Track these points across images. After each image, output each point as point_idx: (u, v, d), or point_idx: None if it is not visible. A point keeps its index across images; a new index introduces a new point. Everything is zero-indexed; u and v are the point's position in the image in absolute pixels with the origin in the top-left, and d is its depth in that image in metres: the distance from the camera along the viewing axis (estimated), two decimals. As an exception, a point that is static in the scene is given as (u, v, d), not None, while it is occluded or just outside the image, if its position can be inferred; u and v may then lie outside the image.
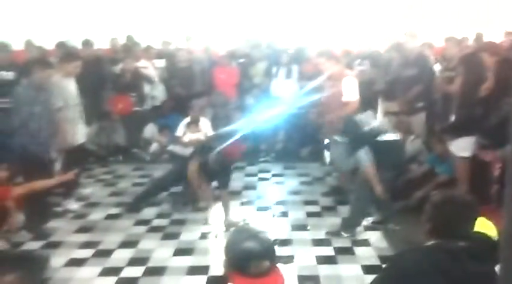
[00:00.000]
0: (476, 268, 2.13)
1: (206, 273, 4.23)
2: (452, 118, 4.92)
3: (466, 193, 3.42)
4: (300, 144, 7.62)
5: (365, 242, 4.74)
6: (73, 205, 5.83)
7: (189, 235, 5.04)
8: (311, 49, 7.68)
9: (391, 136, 4.70)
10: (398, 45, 6.89)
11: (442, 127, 5.46)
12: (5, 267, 1.78)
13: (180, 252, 4.66)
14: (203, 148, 5.35)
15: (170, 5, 10.72)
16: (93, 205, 5.93)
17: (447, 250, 2.19)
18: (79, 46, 7.92)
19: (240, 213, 5.50)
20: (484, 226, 2.68)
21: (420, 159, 5.79)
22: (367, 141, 4.57)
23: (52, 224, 5.33)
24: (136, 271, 4.30)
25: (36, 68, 5.11)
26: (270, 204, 5.83)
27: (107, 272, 4.31)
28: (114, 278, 4.18)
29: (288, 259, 4.39)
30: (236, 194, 6.02)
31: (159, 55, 8.56)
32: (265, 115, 6.46)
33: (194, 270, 4.30)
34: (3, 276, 1.72)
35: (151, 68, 8.07)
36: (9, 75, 6.77)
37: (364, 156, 4.55)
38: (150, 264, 4.43)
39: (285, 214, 5.54)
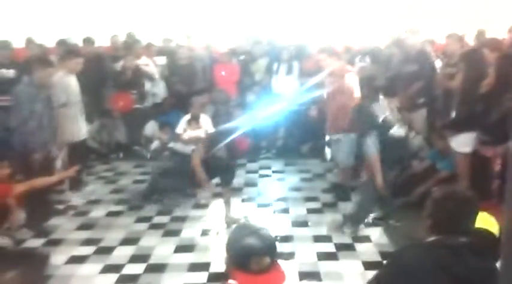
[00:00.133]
0: (477, 263, 2.13)
1: (207, 270, 4.23)
2: (453, 114, 4.91)
3: (467, 189, 3.42)
4: (300, 140, 7.62)
5: (366, 239, 4.74)
6: (78, 200, 5.85)
7: (190, 232, 5.04)
8: (312, 46, 7.67)
9: (399, 130, 4.68)
10: (399, 41, 6.88)
11: (443, 123, 5.44)
12: (5, 264, 1.78)
13: (181, 249, 4.67)
14: (210, 142, 5.34)
15: (171, 2, 10.70)
16: (94, 202, 5.93)
17: (448, 245, 2.19)
18: (80, 44, 7.92)
19: (241, 209, 5.51)
20: (486, 222, 2.67)
21: (421, 155, 5.79)
22: (380, 132, 4.55)
23: (53, 221, 5.34)
24: (137, 268, 4.31)
25: (37, 67, 5.11)
26: (270, 201, 5.83)
27: (108, 269, 4.31)
28: (115, 275, 4.19)
29: (289, 256, 4.40)
30: (237, 191, 6.02)
31: (160, 52, 8.55)
32: (266, 112, 6.46)
33: (195, 267, 4.30)
34: (4, 273, 1.72)
35: (152, 65, 8.06)
36: (9, 73, 6.77)
37: (371, 145, 4.54)
38: (151, 261, 4.44)
39: (285, 210, 5.54)
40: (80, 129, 5.96)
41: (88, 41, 7.83)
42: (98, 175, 6.96)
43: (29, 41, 8.27)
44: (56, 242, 4.86)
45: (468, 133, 4.71)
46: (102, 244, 4.80)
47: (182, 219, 5.35)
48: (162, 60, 8.43)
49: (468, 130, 4.70)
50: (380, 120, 4.61)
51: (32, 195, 4.73)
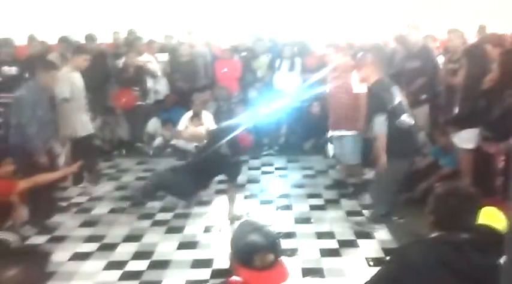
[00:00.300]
0: (480, 260, 2.13)
1: (210, 266, 4.24)
2: (456, 110, 4.90)
3: (470, 185, 3.42)
4: (303, 137, 7.62)
5: (369, 235, 4.74)
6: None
7: (193, 228, 5.05)
8: (314, 42, 7.66)
9: (409, 118, 4.60)
10: (401, 37, 6.86)
11: (445, 119, 5.44)
12: (6, 261, 1.78)
13: (184, 246, 4.68)
14: (214, 138, 5.34)
15: (172, -2, 10.69)
16: (97, 199, 5.95)
17: (450, 242, 2.19)
18: (82, 40, 7.92)
19: (243, 206, 5.51)
20: (495, 217, 2.66)
21: (424, 151, 5.79)
22: (393, 114, 4.50)
23: (56, 218, 5.35)
24: (140, 265, 4.32)
25: (40, 69, 5.08)
26: (273, 197, 5.84)
27: (111, 266, 4.33)
28: (118, 272, 4.20)
29: (292, 252, 4.41)
30: (240, 187, 6.02)
31: (162, 49, 8.55)
32: (268, 108, 6.46)
33: (198, 263, 4.31)
34: (5, 270, 1.73)
35: (154, 62, 8.07)
36: (12, 70, 6.79)
37: (380, 124, 4.50)
38: (155, 258, 4.45)
39: (288, 207, 5.55)
40: (84, 124, 5.96)
41: (90, 38, 7.84)
42: (100, 172, 6.97)
43: (31, 38, 8.28)
44: (59, 239, 4.87)
45: (471, 129, 4.70)
46: (105, 241, 4.81)
47: (185, 216, 5.36)
48: (164, 57, 8.43)
49: (471, 126, 4.69)
50: (395, 102, 4.53)
51: (35, 191, 4.75)
